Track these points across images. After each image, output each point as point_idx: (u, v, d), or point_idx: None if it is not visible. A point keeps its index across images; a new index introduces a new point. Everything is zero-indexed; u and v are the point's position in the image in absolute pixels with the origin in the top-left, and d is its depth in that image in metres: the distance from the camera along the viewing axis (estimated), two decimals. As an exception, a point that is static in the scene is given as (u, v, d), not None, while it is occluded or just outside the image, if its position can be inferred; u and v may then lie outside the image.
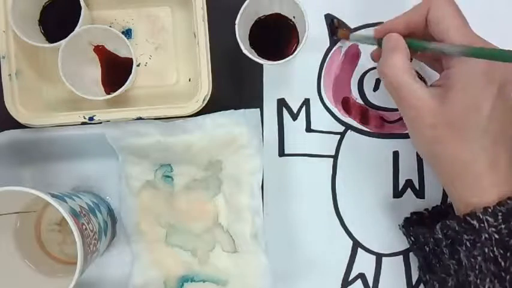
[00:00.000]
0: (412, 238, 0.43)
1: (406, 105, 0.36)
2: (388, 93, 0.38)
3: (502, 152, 0.35)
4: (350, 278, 0.47)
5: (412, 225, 0.44)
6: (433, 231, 0.38)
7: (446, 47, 0.34)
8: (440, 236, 0.37)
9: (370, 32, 0.41)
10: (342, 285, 0.47)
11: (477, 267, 0.35)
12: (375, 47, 0.42)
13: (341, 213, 0.47)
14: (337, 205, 0.47)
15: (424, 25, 0.37)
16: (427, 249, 0.40)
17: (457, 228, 0.36)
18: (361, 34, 0.45)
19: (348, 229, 0.47)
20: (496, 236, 0.34)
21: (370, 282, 0.47)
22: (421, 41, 0.37)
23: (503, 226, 0.33)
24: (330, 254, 0.47)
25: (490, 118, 0.34)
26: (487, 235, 0.34)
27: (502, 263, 0.33)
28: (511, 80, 0.35)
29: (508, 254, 0.33)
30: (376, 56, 0.43)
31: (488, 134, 0.34)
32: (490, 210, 0.34)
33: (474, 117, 0.34)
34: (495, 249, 0.34)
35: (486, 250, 0.34)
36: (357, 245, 0.47)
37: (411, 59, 0.38)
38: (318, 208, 0.47)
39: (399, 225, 0.46)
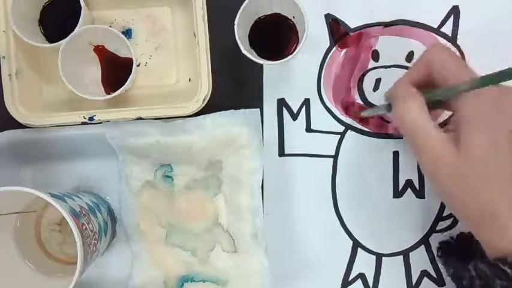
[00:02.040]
0: (451, 269, 0.42)
1: (424, 156, 0.36)
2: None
3: None
4: (350, 278, 0.47)
5: (448, 255, 0.44)
6: (467, 268, 0.37)
7: (454, 86, 0.34)
8: (474, 275, 0.37)
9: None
10: (342, 285, 0.47)
11: None
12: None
13: (341, 213, 0.47)
14: (337, 205, 0.47)
15: (429, 76, 0.37)
16: (464, 283, 0.39)
17: (488, 273, 0.35)
18: (372, 109, 0.45)
19: (348, 229, 0.47)
20: None
21: (370, 282, 0.47)
22: (428, 90, 0.37)
23: None
24: (330, 254, 0.47)
25: (511, 152, 0.33)
26: None
27: None
28: None
29: None
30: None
31: (510, 171, 0.33)
32: None
33: (493, 156, 0.33)
34: None
35: None
36: (357, 245, 0.47)
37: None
38: (318, 208, 0.47)
39: (437, 256, 0.46)
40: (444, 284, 0.47)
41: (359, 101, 0.47)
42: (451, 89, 0.35)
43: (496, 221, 0.34)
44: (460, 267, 0.39)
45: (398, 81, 0.40)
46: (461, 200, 0.35)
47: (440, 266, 0.46)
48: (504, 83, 0.32)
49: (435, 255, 0.46)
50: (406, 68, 0.47)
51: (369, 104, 0.47)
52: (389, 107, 0.40)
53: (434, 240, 0.47)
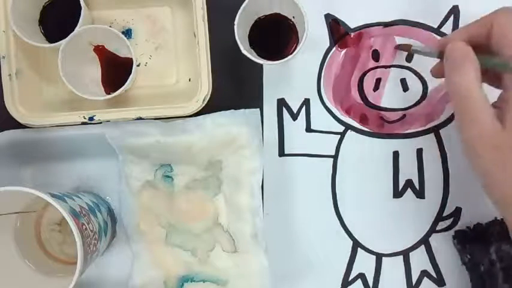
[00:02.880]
0: (468, 256, 0.42)
1: (471, 118, 0.34)
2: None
3: None
4: (350, 278, 0.47)
5: (465, 242, 0.43)
6: (488, 252, 0.37)
7: (506, 62, 0.33)
8: (494, 258, 0.37)
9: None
10: (342, 285, 0.47)
11: None
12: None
13: (341, 213, 0.47)
14: (337, 205, 0.47)
15: (487, 39, 0.35)
16: (482, 268, 0.39)
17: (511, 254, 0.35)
18: (423, 47, 0.44)
19: (348, 229, 0.47)
20: None
21: (370, 282, 0.47)
22: (483, 55, 0.35)
23: None
24: (330, 254, 0.47)
25: None
26: None
27: None
28: None
29: None
30: (436, 71, 0.42)
31: None
32: None
33: None
34: None
35: None
36: (357, 245, 0.47)
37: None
38: (318, 208, 0.47)
39: (453, 242, 0.45)
40: (444, 284, 0.47)
41: (359, 101, 0.47)
42: (500, 63, 0.34)
43: None
44: (479, 252, 0.39)
45: (455, 38, 0.37)
46: (497, 177, 0.34)
47: (443, 261, 0.46)
48: None
49: (452, 242, 0.46)
50: (406, 68, 0.47)
51: (369, 104, 0.47)
52: (441, 54, 0.38)
53: (434, 240, 0.47)
